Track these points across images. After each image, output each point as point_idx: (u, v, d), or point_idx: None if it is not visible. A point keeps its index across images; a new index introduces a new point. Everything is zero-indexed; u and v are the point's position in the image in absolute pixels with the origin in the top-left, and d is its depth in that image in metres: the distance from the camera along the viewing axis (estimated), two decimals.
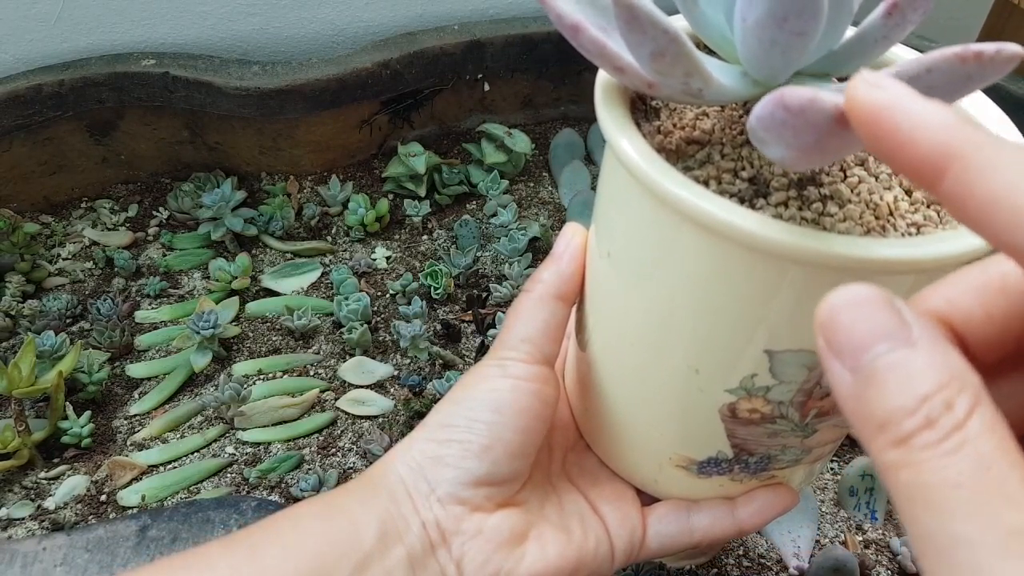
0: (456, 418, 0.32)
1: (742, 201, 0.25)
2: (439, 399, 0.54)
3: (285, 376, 0.57)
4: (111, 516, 0.49)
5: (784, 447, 0.30)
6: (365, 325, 0.58)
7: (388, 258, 0.65)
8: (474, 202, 0.69)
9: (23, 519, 0.49)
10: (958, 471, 0.15)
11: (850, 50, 0.24)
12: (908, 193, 0.27)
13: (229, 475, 0.52)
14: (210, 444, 0.53)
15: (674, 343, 0.27)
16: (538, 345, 0.33)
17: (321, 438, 0.54)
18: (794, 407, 0.27)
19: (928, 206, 0.26)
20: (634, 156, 0.25)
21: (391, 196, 0.68)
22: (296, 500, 0.50)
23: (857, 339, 0.16)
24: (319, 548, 0.29)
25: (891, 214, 0.25)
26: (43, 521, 0.49)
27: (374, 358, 0.58)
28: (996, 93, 0.69)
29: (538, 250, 0.65)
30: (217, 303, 0.60)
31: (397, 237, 0.66)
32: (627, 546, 0.35)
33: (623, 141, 0.25)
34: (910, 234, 0.25)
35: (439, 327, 0.60)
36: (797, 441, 0.29)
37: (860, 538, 0.49)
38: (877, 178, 0.27)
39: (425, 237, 0.66)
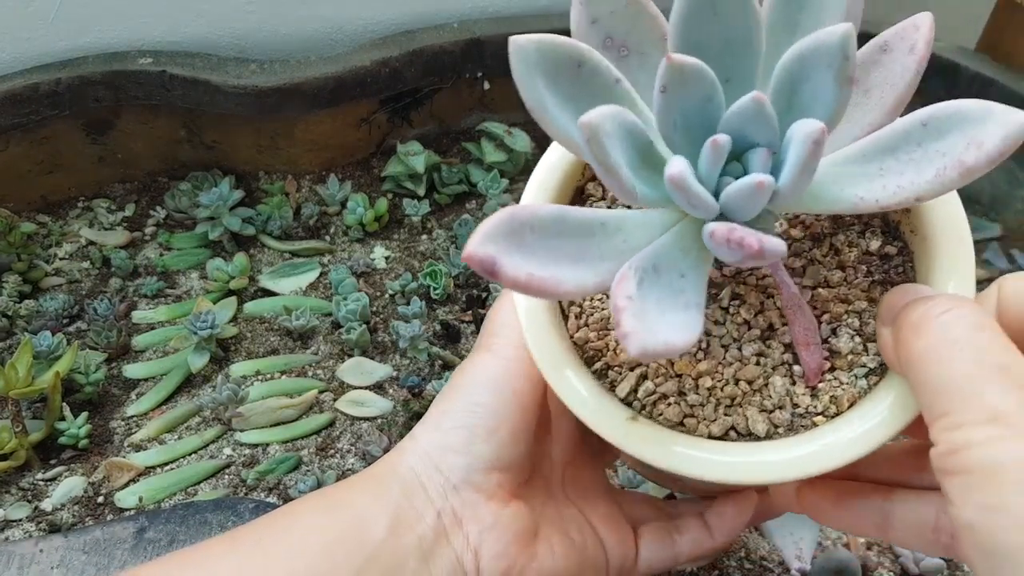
0: (457, 404, 0.33)
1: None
2: None
3: (283, 377, 0.57)
4: (108, 518, 0.49)
5: None
6: (364, 325, 0.57)
7: (387, 258, 0.64)
8: (474, 201, 0.69)
9: (20, 520, 0.49)
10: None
11: None
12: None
13: (227, 476, 0.51)
14: (208, 445, 0.53)
15: None
16: (518, 329, 0.34)
17: (319, 439, 0.53)
18: None
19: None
20: None
21: (390, 195, 0.68)
22: None
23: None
24: (327, 543, 0.30)
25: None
26: (40, 523, 0.48)
27: (373, 359, 0.58)
28: (998, 92, 0.68)
29: None
30: (215, 303, 0.59)
31: (396, 237, 0.66)
32: (620, 563, 0.35)
33: None
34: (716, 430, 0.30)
35: (438, 327, 0.59)
36: None
37: (862, 539, 0.49)
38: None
39: (424, 237, 0.66)
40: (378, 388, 0.56)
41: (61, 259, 0.62)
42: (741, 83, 0.26)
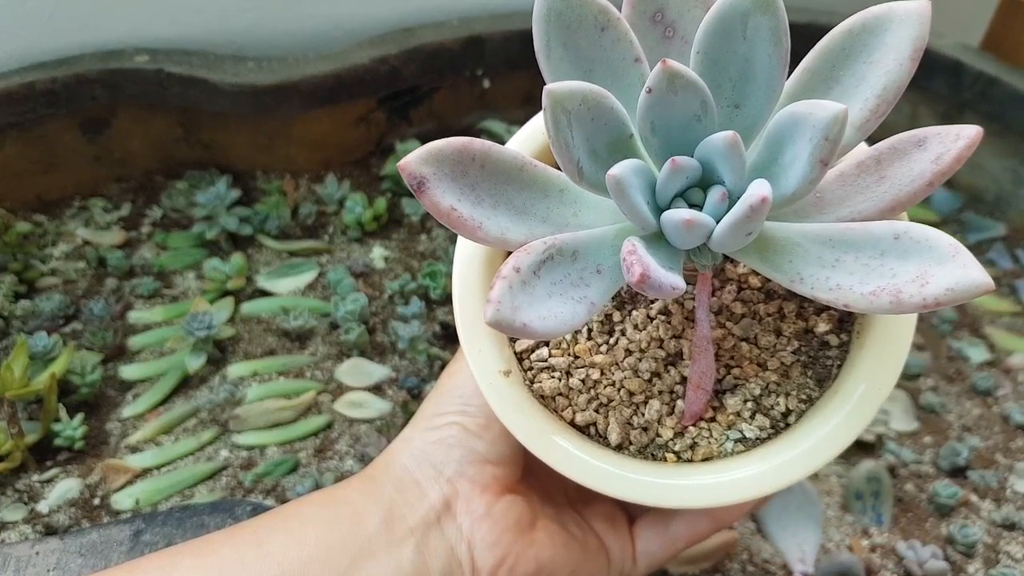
0: (449, 405, 0.33)
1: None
2: None
3: (281, 378, 0.56)
4: (104, 520, 0.49)
5: None
6: (362, 326, 0.57)
7: (386, 258, 0.64)
8: None
9: (16, 522, 0.48)
10: None
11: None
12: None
13: (224, 479, 0.51)
14: (204, 447, 0.52)
15: None
16: None
17: (317, 441, 0.53)
18: None
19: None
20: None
21: (389, 195, 0.67)
22: None
23: None
24: (322, 535, 0.30)
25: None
26: (36, 525, 0.48)
27: (371, 360, 0.57)
28: (1001, 90, 0.68)
29: None
30: (211, 304, 0.59)
31: (395, 236, 0.65)
32: (619, 561, 0.35)
33: None
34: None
35: (438, 328, 0.59)
36: None
37: (866, 542, 0.49)
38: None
39: (423, 236, 0.66)
40: (376, 389, 0.56)
41: (57, 259, 0.62)
42: (750, 114, 0.25)
